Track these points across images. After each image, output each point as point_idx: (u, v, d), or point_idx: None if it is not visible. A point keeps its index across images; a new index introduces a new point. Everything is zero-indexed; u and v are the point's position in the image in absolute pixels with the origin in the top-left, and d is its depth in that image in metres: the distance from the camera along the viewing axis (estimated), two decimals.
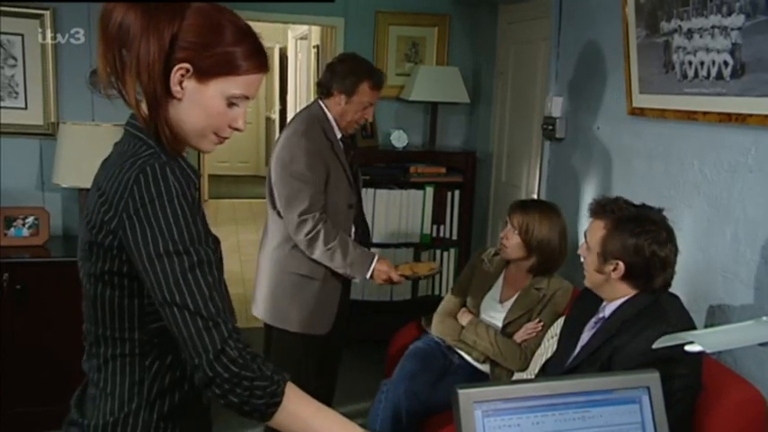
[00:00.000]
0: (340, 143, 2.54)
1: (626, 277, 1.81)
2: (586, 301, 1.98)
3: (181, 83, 1.13)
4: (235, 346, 1.07)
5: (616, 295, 1.85)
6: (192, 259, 1.07)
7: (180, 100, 1.14)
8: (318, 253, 2.42)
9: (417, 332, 2.84)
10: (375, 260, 2.48)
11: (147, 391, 1.18)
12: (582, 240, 1.96)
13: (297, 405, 1.13)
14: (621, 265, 1.80)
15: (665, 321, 1.71)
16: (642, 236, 1.78)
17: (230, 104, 1.17)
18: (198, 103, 1.14)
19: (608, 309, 1.87)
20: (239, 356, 1.07)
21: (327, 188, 2.45)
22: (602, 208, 1.88)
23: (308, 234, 2.41)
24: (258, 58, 1.17)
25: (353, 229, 2.65)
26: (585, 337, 1.92)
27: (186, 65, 1.11)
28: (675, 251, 1.82)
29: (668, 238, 1.81)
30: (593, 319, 1.92)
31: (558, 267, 2.53)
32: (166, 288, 1.06)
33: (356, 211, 2.65)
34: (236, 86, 1.15)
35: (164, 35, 1.09)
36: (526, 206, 2.53)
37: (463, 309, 2.60)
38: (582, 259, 1.93)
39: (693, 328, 1.77)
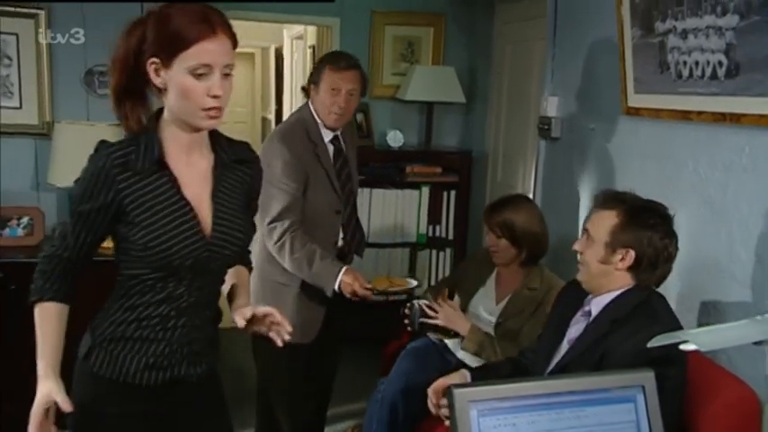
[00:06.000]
0: (327, 146, 2.50)
1: (632, 267, 1.81)
2: (571, 296, 1.98)
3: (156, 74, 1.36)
4: (45, 255, 1.49)
5: (610, 287, 1.83)
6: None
7: (165, 90, 1.37)
8: (287, 262, 2.38)
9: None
10: (341, 272, 2.38)
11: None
12: (579, 237, 1.95)
13: (46, 317, 1.46)
14: (632, 253, 1.79)
15: (657, 322, 1.71)
16: (657, 228, 1.79)
17: (198, 77, 1.34)
18: (173, 86, 1.36)
19: (594, 304, 1.86)
20: (43, 261, 1.49)
21: (306, 194, 2.41)
22: (611, 198, 1.88)
23: (275, 242, 2.38)
24: (200, 26, 1.32)
25: (341, 236, 2.59)
26: (572, 332, 1.91)
27: (154, 58, 1.34)
28: (677, 249, 1.84)
29: (674, 234, 1.83)
30: (579, 314, 1.91)
31: (545, 252, 2.54)
32: None
33: (347, 216, 2.59)
34: (192, 59, 1.33)
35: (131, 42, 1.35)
36: (496, 206, 2.54)
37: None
38: (578, 255, 1.91)
39: (681, 328, 1.77)
